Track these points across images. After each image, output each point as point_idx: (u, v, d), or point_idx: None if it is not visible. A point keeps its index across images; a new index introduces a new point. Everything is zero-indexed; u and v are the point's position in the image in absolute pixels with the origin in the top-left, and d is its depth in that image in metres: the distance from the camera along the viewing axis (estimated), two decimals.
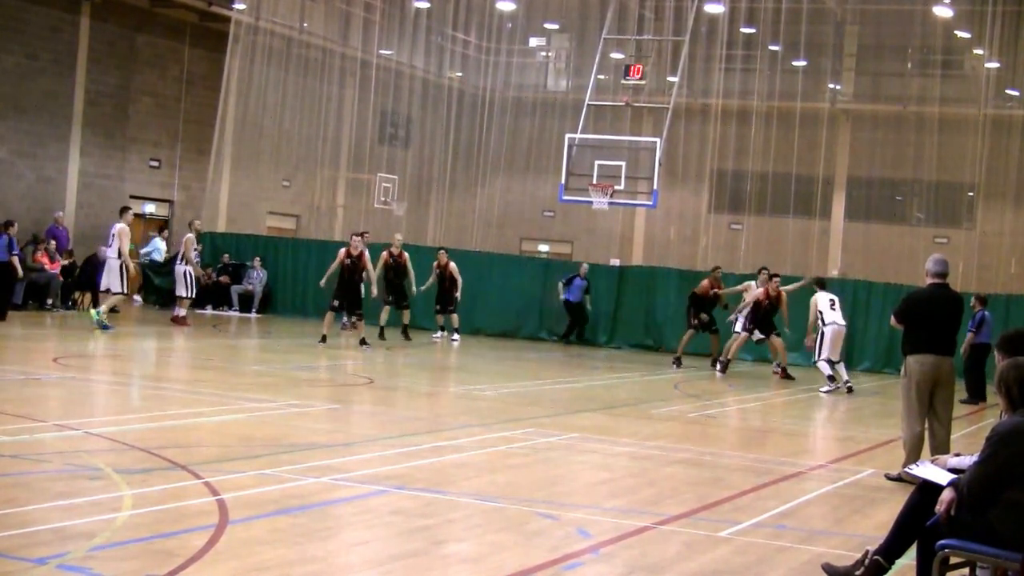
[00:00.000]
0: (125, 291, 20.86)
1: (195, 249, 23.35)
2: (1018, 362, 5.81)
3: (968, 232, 31.87)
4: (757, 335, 20.59)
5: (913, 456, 10.08)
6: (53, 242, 25.16)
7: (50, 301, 24.31)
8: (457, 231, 34.44)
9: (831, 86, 34.32)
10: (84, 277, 25.39)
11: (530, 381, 18.24)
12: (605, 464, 10.63)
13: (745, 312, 20.64)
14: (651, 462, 10.84)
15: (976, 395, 19.06)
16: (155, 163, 30.61)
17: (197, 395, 13.16)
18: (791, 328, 21.49)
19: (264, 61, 30.96)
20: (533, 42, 37.85)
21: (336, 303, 20.79)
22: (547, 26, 37.17)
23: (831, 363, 19.39)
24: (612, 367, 21.31)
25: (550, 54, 38.56)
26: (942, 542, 5.76)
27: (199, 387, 14.00)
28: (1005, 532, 5.61)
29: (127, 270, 20.59)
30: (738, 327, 20.83)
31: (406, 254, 23.18)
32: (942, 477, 6.00)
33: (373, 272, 21.24)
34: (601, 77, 29.48)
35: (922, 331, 10.41)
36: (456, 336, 23.78)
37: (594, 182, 24.28)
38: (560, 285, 25.84)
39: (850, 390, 19.27)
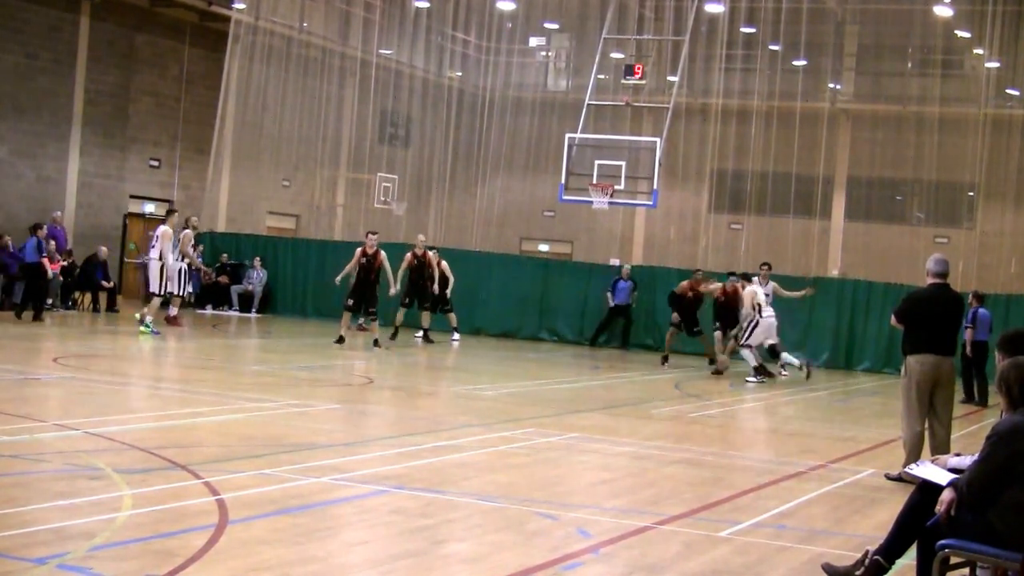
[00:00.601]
0: (161, 292, 20.70)
1: (192, 245, 23.09)
2: (1018, 361, 5.81)
3: (968, 232, 31.87)
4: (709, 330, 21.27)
5: (913, 456, 10.08)
6: (52, 242, 25.14)
7: (50, 301, 24.29)
8: (457, 231, 34.44)
9: (831, 86, 34.32)
10: (84, 277, 25.40)
11: (530, 381, 18.24)
12: (605, 464, 10.63)
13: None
14: (651, 462, 10.84)
15: (971, 394, 18.84)
16: (155, 163, 30.61)
17: (197, 395, 13.15)
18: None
19: (264, 61, 30.96)
20: (533, 42, 37.84)
21: (351, 303, 20.81)
22: (547, 26, 37.17)
23: (774, 351, 20.23)
24: (612, 367, 21.30)
25: (550, 54, 38.56)
26: (942, 542, 5.76)
27: (199, 387, 14.00)
28: (1005, 532, 5.61)
29: (167, 272, 20.53)
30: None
31: (430, 254, 23.14)
32: (942, 477, 5.99)
33: (391, 271, 21.20)
34: (601, 77, 29.48)
35: (922, 331, 10.41)
36: (456, 336, 23.72)
37: (594, 182, 24.27)
38: (607, 293, 25.44)
39: (808, 375, 20.03)
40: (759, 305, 19.75)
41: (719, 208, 34.38)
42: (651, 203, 25.19)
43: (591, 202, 24.71)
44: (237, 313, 27.61)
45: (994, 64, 32.11)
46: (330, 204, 34.84)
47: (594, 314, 26.38)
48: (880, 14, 33.96)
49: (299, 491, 8.20)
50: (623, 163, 24.71)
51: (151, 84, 30.30)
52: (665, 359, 21.99)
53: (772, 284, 21.28)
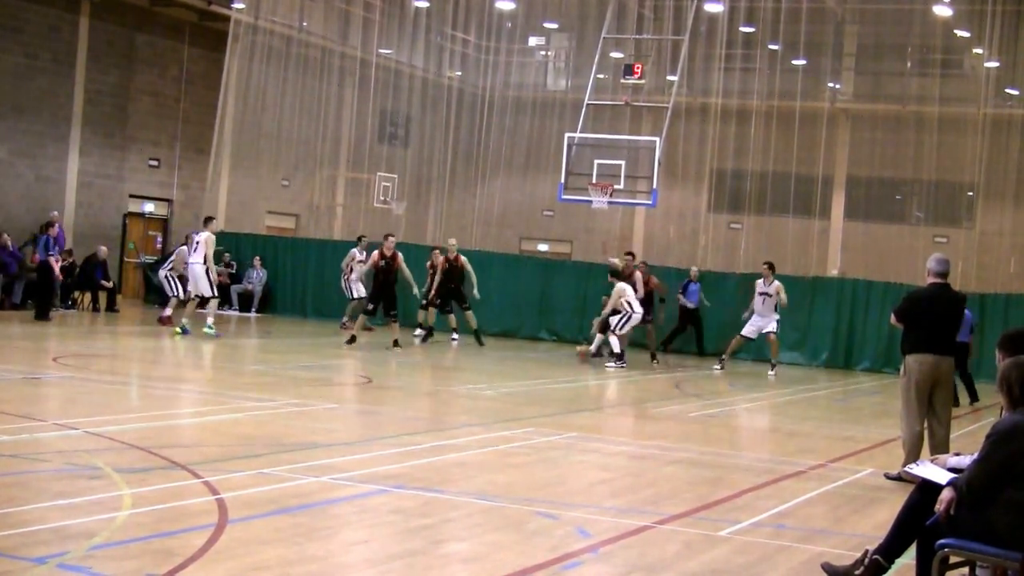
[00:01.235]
0: (216, 294, 20.77)
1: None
2: (1019, 361, 5.81)
3: (968, 231, 31.87)
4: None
5: (912, 455, 10.08)
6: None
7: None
8: (457, 230, 34.39)
9: (831, 85, 34.32)
10: (83, 276, 25.41)
11: (530, 380, 18.24)
12: (605, 463, 10.63)
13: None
14: (651, 461, 10.84)
15: (955, 399, 18.52)
16: (154, 162, 30.61)
17: (197, 394, 13.16)
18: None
19: (263, 60, 30.95)
20: (532, 41, 37.84)
21: (371, 306, 20.83)
22: (546, 25, 37.16)
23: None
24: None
25: (549, 53, 38.55)
26: (942, 541, 5.76)
27: (199, 386, 14.00)
28: (1005, 531, 5.61)
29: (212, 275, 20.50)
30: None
31: (463, 257, 23.14)
32: (941, 476, 6.00)
33: (408, 272, 21.18)
34: (600, 76, 29.47)
35: (922, 330, 10.41)
36: (456, 336, 23.66)
37: (593, 181, 24.26)
38: (679, 296, 24.93)
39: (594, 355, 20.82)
40: (630, 303, 20.31)
41: (718, 208, 34.38)
42: (650, 203, 25.18)
43: (590, 202, 24.69)
44: (237, 313, 27.60)
45: (994, 64, 32.11)
46: (329, 204, 34.84)
47: (593, 314, 26.34)
48: (880, 14, 33.96)
49: (299, 491, 8.20)
50: (622, 163, 24.70)
51: (151, 84, 30.30)
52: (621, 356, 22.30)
53: (776, 284, 21.21)
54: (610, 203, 25.21)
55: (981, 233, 31.62)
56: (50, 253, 23.30)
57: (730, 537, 7.75)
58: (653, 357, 22.06)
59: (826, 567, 6.54)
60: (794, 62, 32.84)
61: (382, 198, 31.68)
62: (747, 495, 9.34)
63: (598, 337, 20.98)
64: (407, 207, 33.13)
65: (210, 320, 20.25)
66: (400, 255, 21.02)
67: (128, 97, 29.75)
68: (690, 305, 24.81)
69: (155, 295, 28.40)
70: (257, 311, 27.87)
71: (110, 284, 25.55)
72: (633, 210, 33.20)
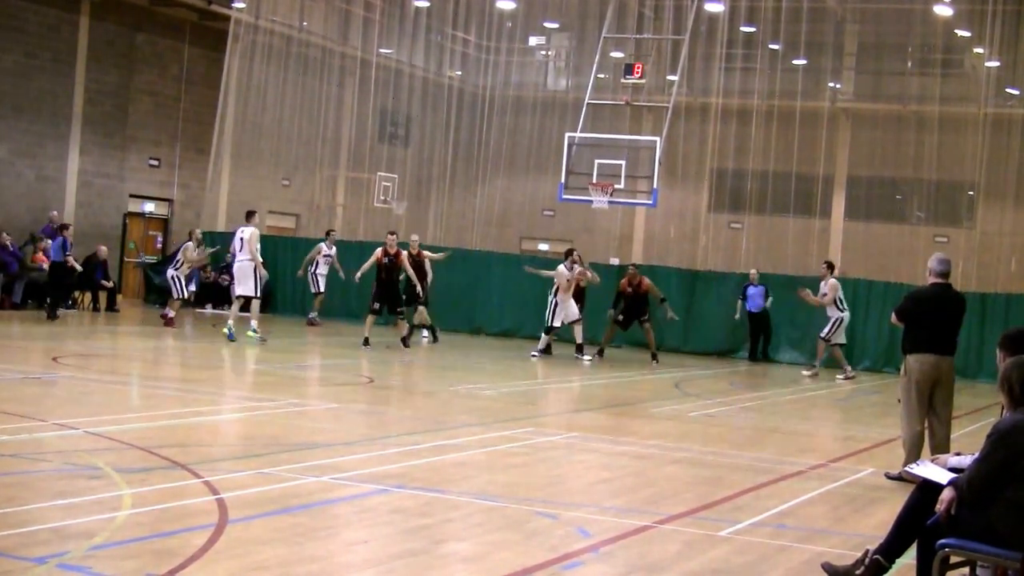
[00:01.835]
0: (259, 294, 20.34)
1: (199, 250, 23.01)
2: (1020, 360, 5.80)
3: (968, 231, 31.86)
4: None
5: (913, 455, 10.08)
6: (50, 241, 25.16)
7: (49, 300, 24.29)
8: (457, 230, 34.43)
9: (831, 85, 34.31)
10: (83, 276, 25.39)
11: (530, 380, 18.23)
12: (605, 463, 10.63)
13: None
14: (651, 461, 10.83)
15: None
16: (154, 162, 30.60)
17: (197, 394, 13.15)
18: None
19: (264, 60, 30.95)
20: (533, 41, 37.83)
21: (376, 305, 20.82)
22: (547, 25, 37.16)
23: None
24: (612, 366, 21.30)
25: (550, 53, 38.54)
26: (942, 541, 5.75)
27: (199, 386, 13.99)
28: (1005, 531, 5.60)
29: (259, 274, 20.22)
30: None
31: (424, 252, 23.06)
32: (942, 476, 5.99)
33: (412, 270, 21.09)
34: (601, 76, 29.45)
35: (922, 330, 10.40)
36: (425, 333, 23.36)
37: (594, 181, 24.25)
38: (739, 300, 24.54)
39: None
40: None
41: (719, 207, 34.37)
42: (651, 202, 25.17)
43: (591, 201, 24.69)
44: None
45: (994, 63, 32.10)
46: (330, 204, 34.83)
47: (592, 313, 26.33)
48: (880, 13, 33.95)
49: (299, 490, 8.19)
50: (623, 162, 24.70)
51: (151, 83, 30.29)
52: (601, 352, 22.56)
53: (832, 282, 21.29)
54: (610, 203, 25.21)
55: (982, 233, 31.61)
56: (67, 254, 23.49)
57: (730, 537, 7.74)
58: (654, 357, 22.13)
59: (826, 567, 6.53)
60: (794, 62, 32.84)
61: (382, 198, 31.68)
62: (747, 495, 9.33)
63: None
64: (407, 207, 33.13)
65: (254, 323, 19.85)
66: (404, 253, 21.02)
67: (128, 97, 29.74)
68: (753, 310, 24.29)
69: (155, 295, 28.41)
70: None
71: (110, 284, 25.55)
72: (633, 210, 33.19)
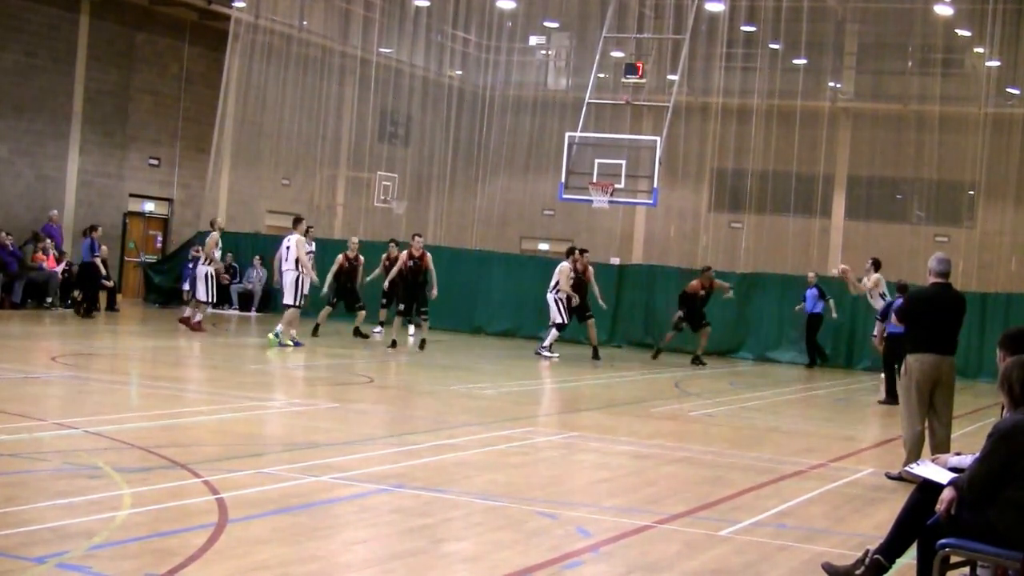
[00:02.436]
0: (297, 304, 19.91)
1: (218, 248, 22.59)
2: (1020, 360, 5.80)
3: (968, 231, 31.85)
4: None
5: (913, 455, 10.07)
6: (49, 240, 25.19)
7: (49, 299, 24.31)
8: (457, 230, 34.41)
9: (832, 84, 34.29)
10: (83, 276, 25.38)
11: (530, 380, 18.23)
12: (605, 463, 10.62)
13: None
14: (651, 461, 10.83)
15: (892, 393, 17.13)
16: (154, 161, 30.60)
17: (197, 394, 13.15)
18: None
19: (264, 59, 30.94)
20: (533, 40, 37.80)
21: (402, 307, 20.81)
22: (547, 24, 37.13)
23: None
24: (612, 366, 21.30)
25: (550, 52, 38.50)
26: (942, 541, 5.75)
27: (199, 385, 13.99)
28: (1005, 531, 5.60)
29: (301, 282, 19.92)
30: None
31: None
32: (942, 476, 5.98)
33: (435, 273, 21.02)
34: (601, 75, 29.45)
35: (923, 330, 10.39)
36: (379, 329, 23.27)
37: (594, 181, 24.25)
38: (798, 307, 24.10)
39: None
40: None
41: (719, 207, 34.37)
42: (651, 202, 25.17)
43: (591, 201, 24.69)
44: (237, 312, 27.59)
45: (994, 63, 32.08)
46: (330, 203, 34.81)
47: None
48: (881, 13, 33.94)
49: (299, 490, 8.19)
50: (623, 162, 24.70)
51: (151, 83, 30.29)
52: (657, 353, 22.64)
53: (875, 276, 20.84)
54: (611, 202, 25.21)
55: (982, 232, 31.60)
56: (95, 255, 23.84)
57: (730, 537, 7.74)
58: (699, 359, 22.39)
59: (827, 567, 6.53)
60: (795, 61, 32.82)
61: (383, 197, 31.66)
62: (747, 495, 9.33)
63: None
64: (407, 206, 33.12)
65: (292, 331, 19.58)
66: (428, 255, 20.90)
67: (128, 96, 29.73)
68: (812, 312, 23.69)
69: (155, 294, 28.43)
70: (257, 310, 27.84)
71: (110, 283, 25.54)
72: (634, 209, 33.18)
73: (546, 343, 21.37)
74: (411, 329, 23.13)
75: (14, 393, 12.19)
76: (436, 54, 36.43)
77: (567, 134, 25.34)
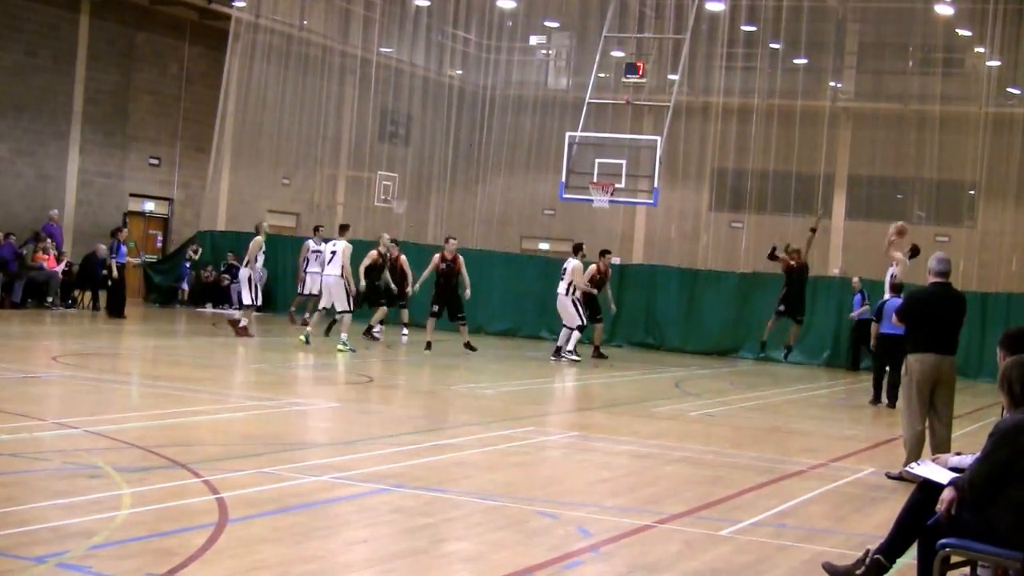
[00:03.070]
0: (352, 308, 19.78)
1: (262, 252, 22.01)
2: (1020, 360, 5.79)
3: (969, 231, 31.85)
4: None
5: (914, 455, 10.07)
6: (50, 240, 25.17)
7: (50, 299, 24.31)
8: (457, 229, 34.29)
9: (832, 84, 34.29)
10: (83, 275, 25.40)
11: (530, 380, 18.22)
12: (605, 463, 10.62)
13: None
14: (651, 461, 10.83)
15: (879, 394, 17.02)
16: (155, 161, 30.60)
17: (197, 393, 13.15)
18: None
19: (264, 59, 30.94)
20: (533, 40, 37.82)
21: (436, 308, 20.78)
22: (547, 24, 37.14)
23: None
24: (612, 366, 21.30)
25: (551, 52, 38.52)
26: (943, 541, 5.74)
27: (199, 385, 13.98)
28: (1006, 531, 5.59)
29: (351, 287, 19.76)
30: None
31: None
32: (943, 476, 5.98)
33: (467, 276, 20.88)
34: (602, 75, 29.45)
35: (923, 330, 10.39)
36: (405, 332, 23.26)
37: (594, 180, 24.25)
38: (852, 316, 23.36)
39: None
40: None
41: (719, 207, 34.37)
42: (652, 202, 25.17)
43: (591, 201, 24.69)
44: (237, 312, 27.53)
45: (995, 63, 32.07)
46: (330, 203, 34.81)
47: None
48: (881, 12, 33.94)
49: (299, 490, 8.19)
50: (623, 162, 24.70)
51: (151, 82, 30.29)
52: (763, 345, 22.90)
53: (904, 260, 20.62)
54: (611, 202, 25.21)
55: (982, 232, 31.60)
56: (116, 258, 24.15)
57: (731, 536, 7.74)
58: (789, 349, 22.68)
59: (827, 567, 6.52)
60: (795, 61, 32.83)
61: (383, 197, 31.66)
62: (748, 494, 9.32)
63: None
64: (408, 206, 33.12)
65: (344, 335, 19.50)
66: (461, 258, 20.77)
67: (128, 96, 29.74)
68: (861, 318, 22.49)
69: (156, 294, 28.42)
70: (257, 310, 27.77)
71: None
72: (634, 209, 33.18)
73: (570, 346, 20.92)
74: (404, 330, 23.01)
75: (14, 393, 12.19)
76: (436, 54, 36.43)
77: (567, 134, 25.34)
